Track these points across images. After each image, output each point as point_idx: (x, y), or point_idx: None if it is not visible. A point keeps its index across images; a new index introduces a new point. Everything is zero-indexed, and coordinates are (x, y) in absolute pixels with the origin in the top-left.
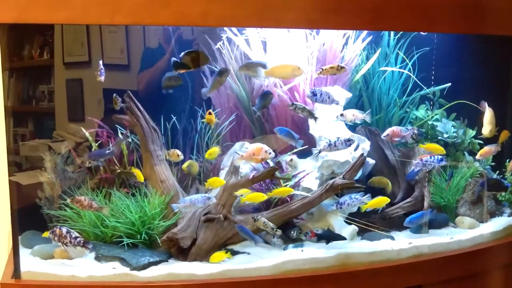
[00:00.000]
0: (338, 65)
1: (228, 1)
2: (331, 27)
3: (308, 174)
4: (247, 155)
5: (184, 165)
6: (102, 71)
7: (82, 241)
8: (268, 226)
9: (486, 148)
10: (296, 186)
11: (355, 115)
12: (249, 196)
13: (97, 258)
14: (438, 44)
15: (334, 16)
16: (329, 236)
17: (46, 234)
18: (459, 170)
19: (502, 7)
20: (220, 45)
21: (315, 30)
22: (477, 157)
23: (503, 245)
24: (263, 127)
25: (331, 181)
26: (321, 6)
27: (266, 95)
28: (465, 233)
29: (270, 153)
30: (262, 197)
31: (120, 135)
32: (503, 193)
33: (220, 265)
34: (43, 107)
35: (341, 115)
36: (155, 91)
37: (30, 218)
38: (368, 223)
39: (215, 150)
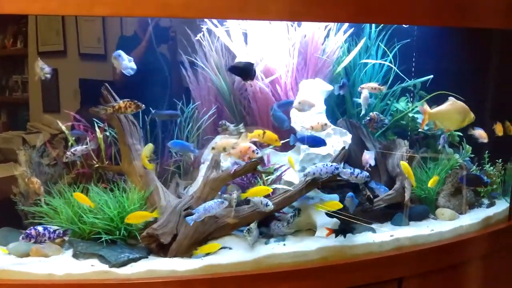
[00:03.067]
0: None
1: None
2: (315, 19)
3: (289, 168)
4: (234, 152)
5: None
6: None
7: (61, 232)
8: (232, 206)
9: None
10: (278, 179)
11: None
12: (252, 191)
13: (75, 255)
14: (419, 36)
15: (318, 8)
16: (345, 230)
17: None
18: (439, 162)
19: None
20: (200, 37)
21: (296, 22)
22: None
23: (483, 236)
24: (244, 119)
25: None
26: None
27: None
28: (445, 224)
29: (257, 153)
30: (267, 190)
31: (97, 128)
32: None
33: (201, 260)
34: (17, 98)
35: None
36: (132, 81)
37: (4, 215)
38: (350, 216)
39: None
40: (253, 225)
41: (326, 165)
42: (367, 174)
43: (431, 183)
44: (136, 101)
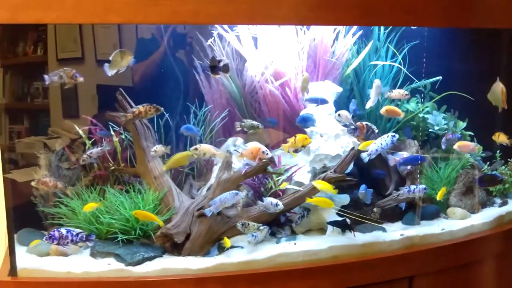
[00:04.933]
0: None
1: None
2: (322, 23)
3: (300, 168)
4: (246, 153)
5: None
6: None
7: (84, 236)
8: (239, 202)
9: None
10: (288, 180)
11: (348, 117)
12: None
13: (92, 254)
14: (429, 37)
15: (325, 12)
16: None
17: (35, 242)
18: (450, 162)
19: (490, 0)
20: (211, 42)
21: (305, 26)
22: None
23: (494, 235)
24: None
25: (322, 175)
26: (311, 2)
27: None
28: (457, 224)
29: (267, 154)
30: (330, 204)
31: (112, 132)
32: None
33: (214, 259)
34: (38, 104)
35: (338, 115)
36: (149, 85)
37: (26, 216)
38: (360, 215)
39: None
40: (253, 226)
41: (384, 139)
42: (424, 186)
43: (439, 196)
44: (155, 104)
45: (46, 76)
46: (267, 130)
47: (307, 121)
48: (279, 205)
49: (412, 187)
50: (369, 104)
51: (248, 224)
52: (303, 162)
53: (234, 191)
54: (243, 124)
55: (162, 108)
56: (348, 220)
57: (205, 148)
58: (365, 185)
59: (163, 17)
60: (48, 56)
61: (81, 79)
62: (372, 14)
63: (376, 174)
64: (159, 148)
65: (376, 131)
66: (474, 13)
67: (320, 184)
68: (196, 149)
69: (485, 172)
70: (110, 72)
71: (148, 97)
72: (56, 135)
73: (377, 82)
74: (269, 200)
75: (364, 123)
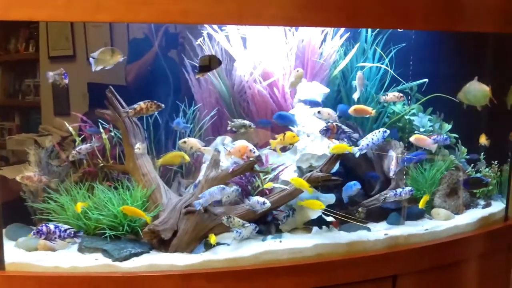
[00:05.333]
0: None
1: None
2: (309, 24)
3: (286, 167)
4: (234, 151)
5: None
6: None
7: (72, 232)
8: (230, 197)
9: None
10: (275, 179)
11: (330, 114)
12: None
13: (80, 249)
14: (415, 40)
15: (312, 14)
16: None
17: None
18: (435, 163)
19: (475, 4)
20: (200, 41)
21: (294, 27)
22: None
23: (477, 236)
24: None
25: (308, 174)
26: (299, 3)
27: None
28: (440, 224)
29: (254, 152)
30: (320, 205)
31: (102, 129)
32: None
33: (200, 255)
34: (29, 101)
35: (318, 112)
36: (141, 84)
37: (15, 211)
38: (346, 215)
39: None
40: (238, 222)
41: (375, 133)
42: (410, 188)
43: (421, 204)
44: (155, 101)
45: (50, 73)
46: (256, 129)
47: (284, 119)
48: (266, 203)
49: (399, 190)
50: (356, 96)
51: (234, 218)
52: (290, 161)
53: (220, 186)
54: (233, 123)
55: (163, 105)
56: (331, 218)
57: (193, 142)
58: (358, 182)
59: (153, 16)
60: (40, 54)
61: (66, 80)
62: (358, 16)
63: (367, 176)
64: (141, 146)
65: (347, 130)
66: (460, 17)
67: (295, 181)
68: (184, 142)
69: (470, 174)
70: (95, 67)
71: (139, 95)
72: (46, 132)
73: (359, 74)
74: (256, 199)
75: (334, 123)
